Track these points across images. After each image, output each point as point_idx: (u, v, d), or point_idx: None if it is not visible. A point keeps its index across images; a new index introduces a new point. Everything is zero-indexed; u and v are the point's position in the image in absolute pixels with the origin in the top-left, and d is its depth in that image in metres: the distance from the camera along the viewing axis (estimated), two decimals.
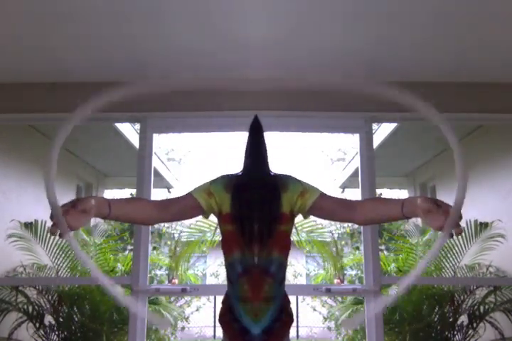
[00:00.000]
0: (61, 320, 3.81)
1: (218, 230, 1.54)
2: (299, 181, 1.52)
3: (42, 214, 4.12)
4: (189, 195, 1.49)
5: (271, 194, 1.47)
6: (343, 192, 7.93)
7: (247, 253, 1.43)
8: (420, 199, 1.30)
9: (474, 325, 3.72)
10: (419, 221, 6.17)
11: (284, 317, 1.46)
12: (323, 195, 1.48)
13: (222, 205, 1.47)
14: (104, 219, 1.38)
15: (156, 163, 4.64)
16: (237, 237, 1.44)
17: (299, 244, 6.52)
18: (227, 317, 1.46)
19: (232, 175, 1.55)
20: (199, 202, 1.46)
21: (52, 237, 3.85)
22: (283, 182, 1.51)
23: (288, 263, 1.52)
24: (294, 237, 7.18)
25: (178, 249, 6.54)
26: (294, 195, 1.47)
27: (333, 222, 7.31)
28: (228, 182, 1.50)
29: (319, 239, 6.22)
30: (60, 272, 3.89)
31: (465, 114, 3.04)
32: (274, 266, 1.44)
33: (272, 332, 1.42)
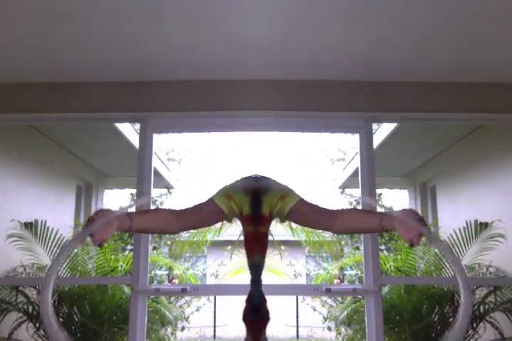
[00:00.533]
0: (61, 320, 3.81)
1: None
2: (281, 184, 1.55)
3: (42, 214, 4.13)
4: (210, 200, 1.51)
5: (253, 196, 1.51)
6: (343, 192, 7.93)
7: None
8: (401, 211, 1.34)
9: (474, 325, 3.72)
10: None
11: (259, 317, 1.49)
12: (303, 201, 1.51)
13: (243, 207, 1.50)
14: (126, 231, 1.43)
15: (156, 163, 4.64)
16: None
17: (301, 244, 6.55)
18: (250, 316, 1.49)
19: (250, 177, 1.58)
20: (220, 207, 1.49)
21: (53, 237, 3.86)
22: (264, 184, 1.54)
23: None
24: (296, 237, 7.21)
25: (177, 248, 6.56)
26: (274, 198, 1.50)
27: None
28: (247, 184, 1.53)
29: (321, 239, 6.24)
30: (60, 272, 3.89)
31: (465, 114, 3.05)
32: None
33: None
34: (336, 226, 1.49)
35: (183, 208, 1.53)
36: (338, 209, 1.55)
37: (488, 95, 3.01)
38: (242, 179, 1.56)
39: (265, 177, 1.58)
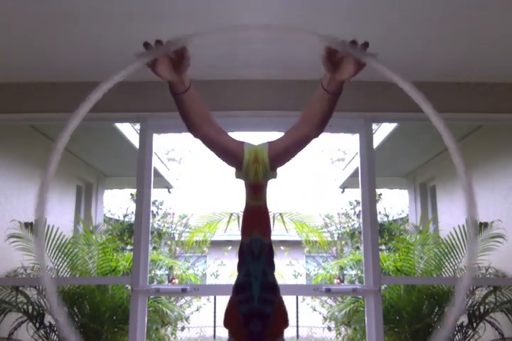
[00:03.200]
0: None
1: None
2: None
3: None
4: (240, 143, 1.37)
5: None
6: (343, 192, 7.94)
7: None
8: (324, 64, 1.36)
9: (474, 325, 3.72)
10: (418, 221, 6.16)
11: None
12: (270, 143, 1.38)
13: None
14: (173, 93, 1.37)
15: (156, 163, 4.64)
16: None
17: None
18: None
19: None
20: (243, 156, 1.34)
21: (53, 237, 3.85)
22: None
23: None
24: (297, 237, 7.22)
25: (178, 248, 6.56)
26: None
27: (331, 223, 7.32)
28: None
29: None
30: (60, 272, 3.90)
31: (465, 114, 3.05)
32: None
33: None
34: (310, 132, 1.37)
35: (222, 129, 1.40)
36: (297, 121, 1.43)
37: (488, 95, 3.01)
38: None
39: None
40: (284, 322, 1.31)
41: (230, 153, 1.37)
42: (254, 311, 1.27)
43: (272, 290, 1.30)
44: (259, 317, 1.26)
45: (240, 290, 1.31)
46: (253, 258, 1.30)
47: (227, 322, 1.31)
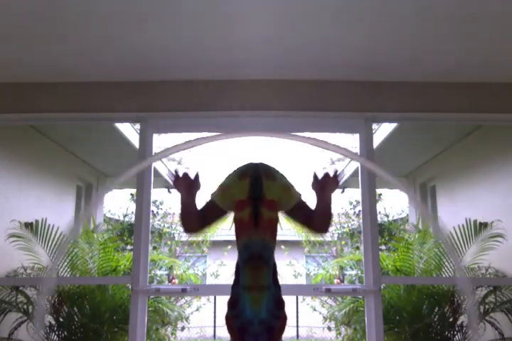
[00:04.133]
0: (61, 320, 3.81)
1: None
2: (280, 174, 1.69)
3: (42, 214, 4.13)
4: (210, 200, 1.72)
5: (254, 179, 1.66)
6: (343, 192, 7.93)
7: None
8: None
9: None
10: (417, 221, 6.16)
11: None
12: (301, 197, 1.67)
13: (236, 193, 1.70)
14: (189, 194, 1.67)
15: (156, 163, 4.63)
16: None
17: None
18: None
19: (250, 163, 1.81)
20: (216, 202, 1.75)
21: (53, 237, 3.85)
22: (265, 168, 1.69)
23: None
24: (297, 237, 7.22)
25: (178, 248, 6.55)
26: (280, 188, 1.62)
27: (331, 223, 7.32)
28: (244, 168, 1.77)
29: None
30: (60, 272, 3.89)
31: (465, 114, 3.05)
32: None
33: None
34: (325, 229, 1.73)
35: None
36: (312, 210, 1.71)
37: (488, 95, 3.01)
38: (240, 166, 1.66)
39: (264, 163, 1.69)
40: (285, 322, 1.58)
41: (215, 215, 1.69)
42: (245, 325, 1.47)
43: (278, 305, 1.54)
44: (267, 330, 1.49)
45: (234, 305, 1.55)
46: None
47: (231, 334, 1.56)
